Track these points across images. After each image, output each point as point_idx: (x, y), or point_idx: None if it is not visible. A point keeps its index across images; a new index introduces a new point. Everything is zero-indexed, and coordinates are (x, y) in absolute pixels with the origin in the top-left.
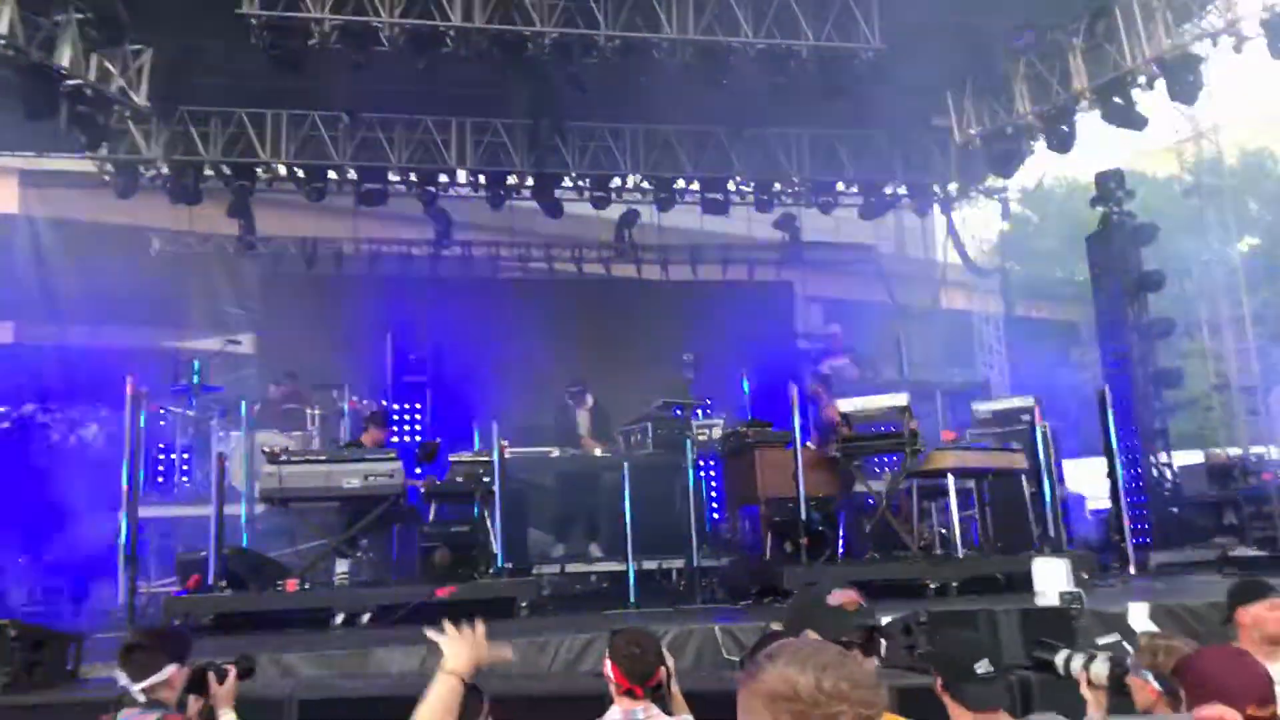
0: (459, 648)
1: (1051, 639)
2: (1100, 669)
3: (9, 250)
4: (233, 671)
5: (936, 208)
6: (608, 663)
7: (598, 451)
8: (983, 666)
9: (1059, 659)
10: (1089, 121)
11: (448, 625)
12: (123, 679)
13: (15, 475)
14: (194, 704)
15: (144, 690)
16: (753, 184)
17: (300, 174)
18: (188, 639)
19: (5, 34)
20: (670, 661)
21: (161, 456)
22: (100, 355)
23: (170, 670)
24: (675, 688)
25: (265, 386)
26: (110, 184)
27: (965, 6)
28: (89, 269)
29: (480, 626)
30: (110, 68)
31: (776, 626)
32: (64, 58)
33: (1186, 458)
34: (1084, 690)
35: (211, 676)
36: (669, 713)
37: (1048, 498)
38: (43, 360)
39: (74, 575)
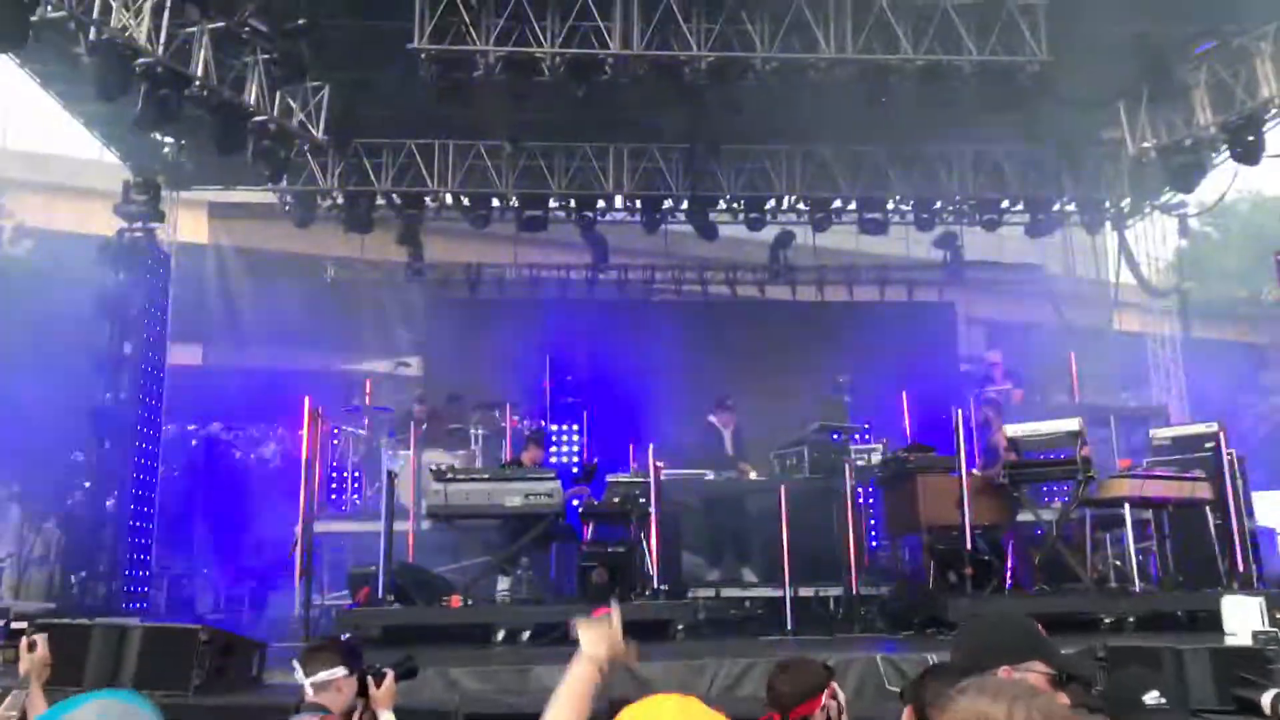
0: (596, 635)
1: (1244, 683)
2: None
3: (199, 278)
4: (390, 674)
5: (1108, 225)
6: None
7: (753, 475)
8: (1151, 698)
9: (1266, 699)
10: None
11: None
12: (299, 672)
13: (201, 490)
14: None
15: (313, 684)
16: (912, 202)
17: (465, 202)
18: (360, 653)
19: (200, 75)
20: (842, 697)
21: (335, 474)
22: (278, 377)
23: (340, 671)
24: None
25: (411, 405)
26: (289, 214)
27: (1139, 14)
28: (269, 295)
29: (617, 617)
30: (291, 103)
31: (934, 659)
32: (251, 95)
33: None
34: None
35: (370, 680)
36: None
37: (1236, 530)
38: (227, 382)
39: (254, 586)
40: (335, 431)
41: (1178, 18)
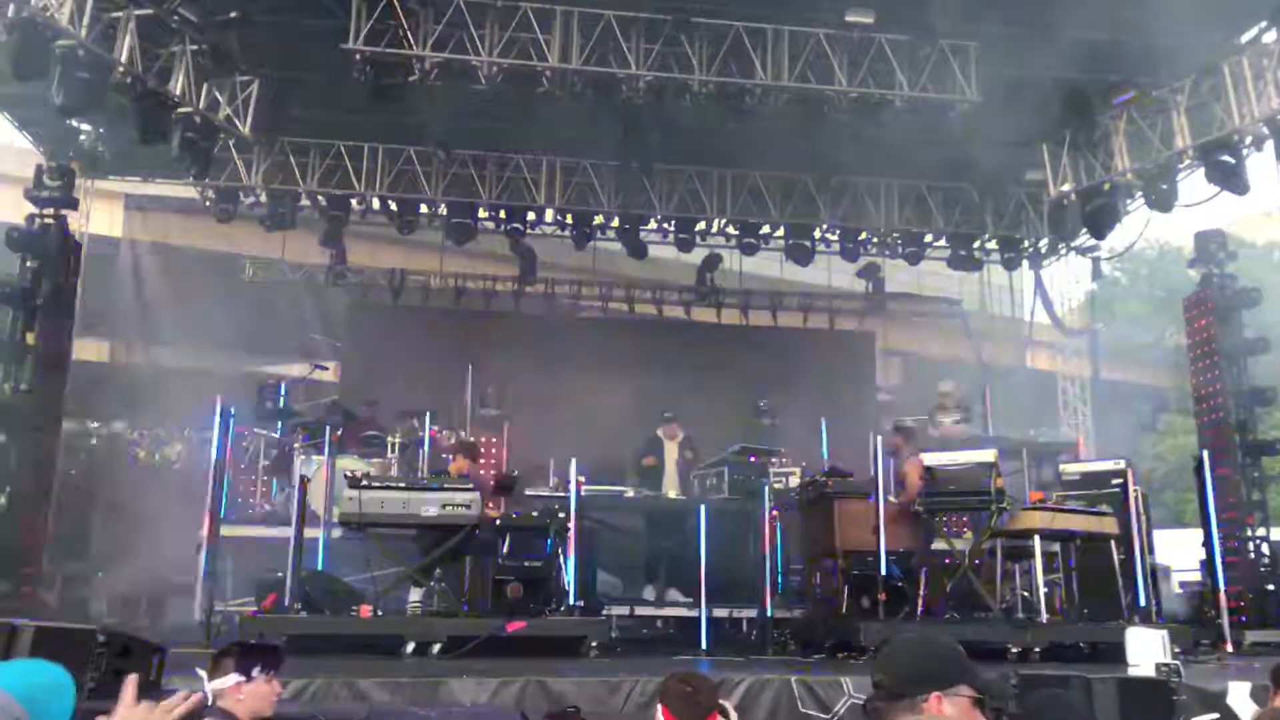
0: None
1: (1148, 713)
2: None
3: (110, 272)
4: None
5: (1025, 264)
6: (659, 706)
7: (672, 494)
8: None
9: None
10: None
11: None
12: (202, 676)
13: (101, 490)
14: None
15: (213, 691)
16: (838, 232)
17: (392, 206)
18: (273, 659)
19: (125, 62)
20: (734, 715)
21: (243, 478)
22: (188, 377)
23: (232, 678)
24: None
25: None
26: (209, 210)
27: (1065, 62)
28: (183, 292)
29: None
30: (219, 96)
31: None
32: (177, 86)
33: None
34: None
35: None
36: None
37: (1139, 566)
38: (134, 380)
39: (153, 590)
40: (246, 434)
41: (1101, 67)
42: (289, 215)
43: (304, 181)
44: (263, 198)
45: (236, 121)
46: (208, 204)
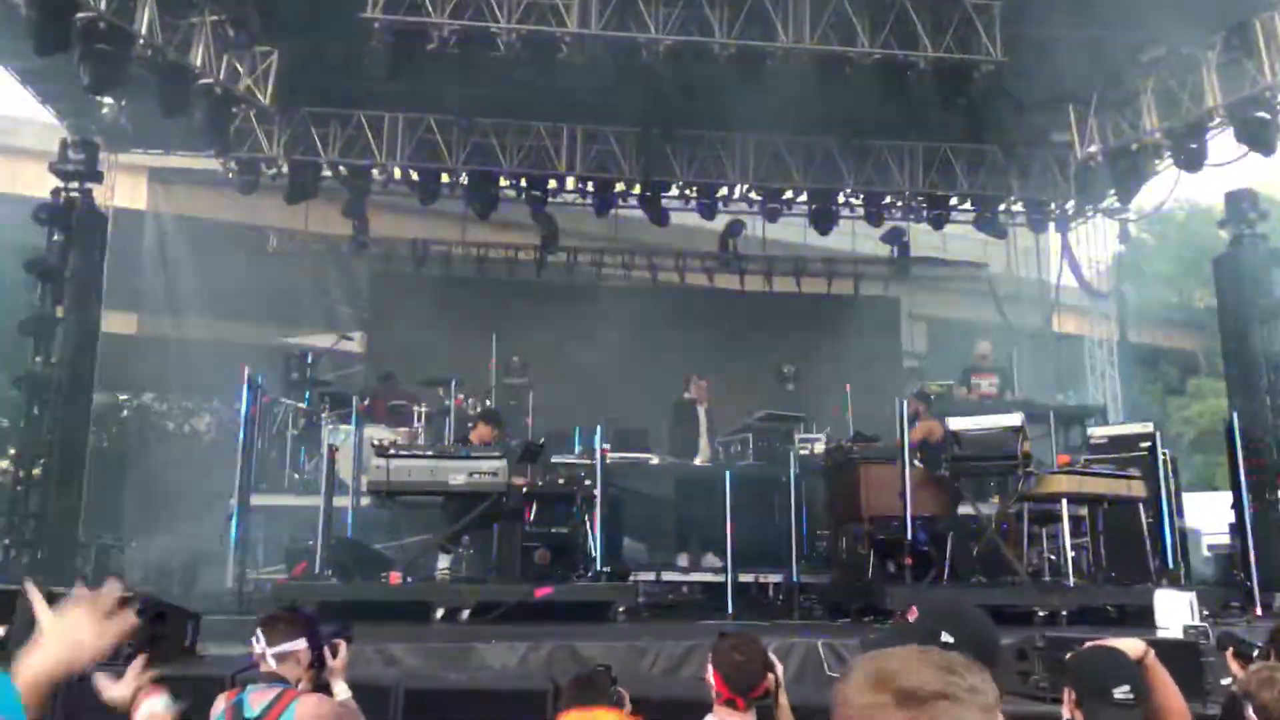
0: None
1: (1176, 675)
2: None
3: (136, 245)
4: (344, 645)
5: (1052, 227)
6: (709, 668)
7: (698, 461)
8: (1122, 692)
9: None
10: (1214, 144)
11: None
12: (260, 643)
13: (132, 460)
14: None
15: (275, 655)
16: (862, 196)
17: (414, 176)
18: (319, 626)
19: (145, 34)
20: (779, 669)
21: (272, 448)
22: (216, 348)
23: (300, 643)
24: (784, 699)
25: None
26: (232, 181)
27: (1093, 19)
28: (209, 265)
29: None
30: (239, 68)
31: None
32: (197, 57)
33: None
34: None
35: (328, 652)
36: None
37: (1168, 529)
38: (163, 352)
39: (185, 559)
40: (274, 404)
41: (1128, 24)
42: (310, 186)
43: (325, 152)
44: (284, 169)
45: (257, 92)
46: (230, 175)
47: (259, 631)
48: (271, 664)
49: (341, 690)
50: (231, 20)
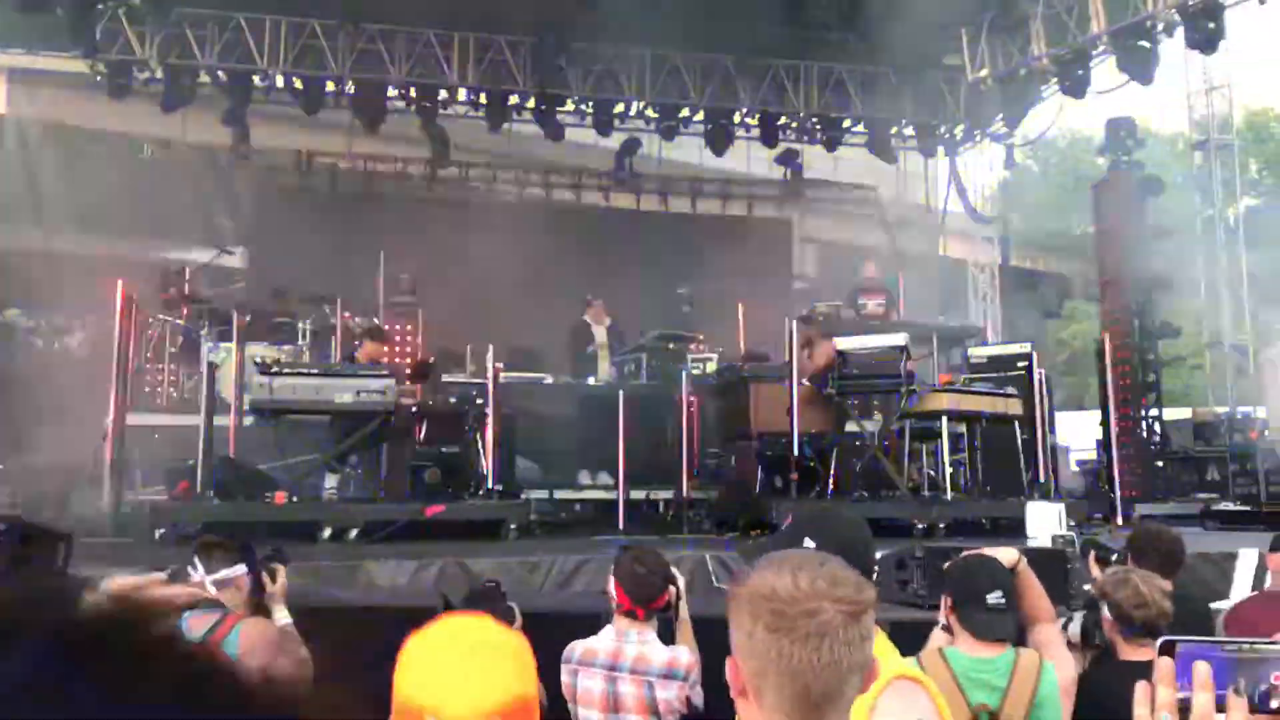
0: None
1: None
2: (1075, 629)
3: None
4: (281, 569)
5: (941, 151)
6: (611, 580)
7: (593, 380)
8: (994, 596)
9: (1072, 628)
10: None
11: None
12: (198, 571)
13: None
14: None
15: (215, 582)
16: (758, 116)
17: (297, 84)
18: (254, 551)
19: None
20: (681, 582)
21: (149, 365)
22: (87, 263)
23: (241, 568)
24: (685, 611)
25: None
26: (101, 86)
27: None
28: (78, 174)
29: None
30: None
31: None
32: None
33: (1175, 413)
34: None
35: (266, 577)
36: (674, 637)
37: (1040, 445)
38: (28, 266)
39: (58, 481)
40: (150, 320)
41: None
42: (188, 92)
43: (202, 56)
44: (158, 73)
45: None
46: (99, 79)
47: (196, 559)
48: (212, 590)
49: (282, 615)
50: None
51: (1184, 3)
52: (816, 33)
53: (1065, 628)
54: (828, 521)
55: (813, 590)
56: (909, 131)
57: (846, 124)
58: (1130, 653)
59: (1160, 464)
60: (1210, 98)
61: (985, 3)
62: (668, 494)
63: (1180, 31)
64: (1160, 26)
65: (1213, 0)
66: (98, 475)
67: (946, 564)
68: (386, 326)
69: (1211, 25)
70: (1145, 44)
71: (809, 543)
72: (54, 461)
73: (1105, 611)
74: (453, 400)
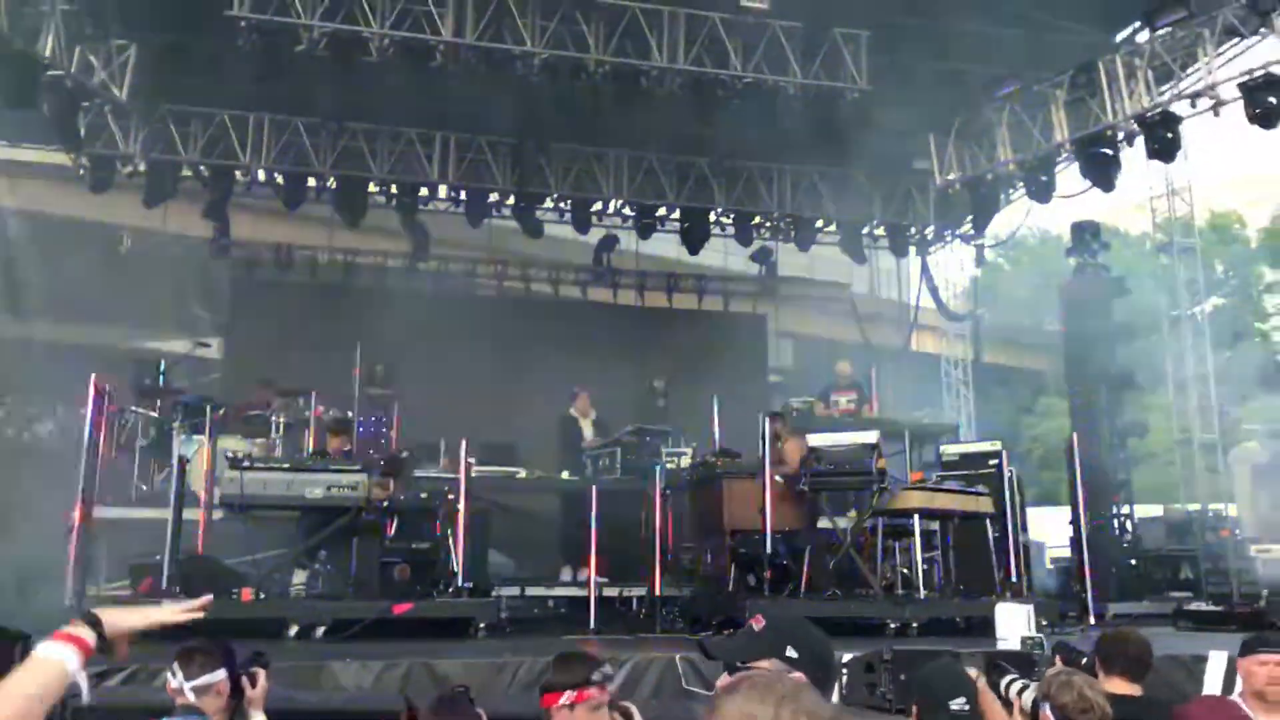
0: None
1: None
2: (1028, 696)
3: None
4: (262, 674)
5: (913, 250)
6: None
7: (565, 475)
8: (958, 704)
9: (1004, 680)
10: (1065, 177)
11: None
12: (177, 678)
13: None
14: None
15: (194, 689)
16: (733, 215)
17: (279, 179)
18: (235, 654)
19: None
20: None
21: (119, 457)
22: (62, 352)
23: (221, 674)
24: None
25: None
26: (83, 179)
27: (953, 53)
28: (56, 263)
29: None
30: (93, 61)
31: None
32: (47, 47)
33: (1146, 511)
34: (1016, 716)
35: (245, 681)
36: None
37: (1011, 543)
38: (2, 353)
39: (20, 575)
40: (123, 412)
41: (987, 59)
42: (169, 186)
43: (185, 151)
44: (141, 167)
45: (112, 87)
46: (81, 173)
47: (175, 665)
48: (190, 698)
49: (259, 718)
50: (86, 10)
51: (1142, 114)
52: (789, 136)
53: (1020, 694)
54: (807, 632)
55: None
56: (880, 231)
57: (819, 224)
58: None
59: (1133, 562)
60: (1172, 201)
61: (952, 110)
62: (641, 591)
63: (1140, 140)
64: (1121, 136)
65: (1169, 111)
66: (61, 570)
67: (911, 672)
68: (362, 419)
69: (1169, 135)
70: (1108, 151)
71: (791, 651)
72: (17, 554)
73: (1046, 711)
74: (423, 496)
